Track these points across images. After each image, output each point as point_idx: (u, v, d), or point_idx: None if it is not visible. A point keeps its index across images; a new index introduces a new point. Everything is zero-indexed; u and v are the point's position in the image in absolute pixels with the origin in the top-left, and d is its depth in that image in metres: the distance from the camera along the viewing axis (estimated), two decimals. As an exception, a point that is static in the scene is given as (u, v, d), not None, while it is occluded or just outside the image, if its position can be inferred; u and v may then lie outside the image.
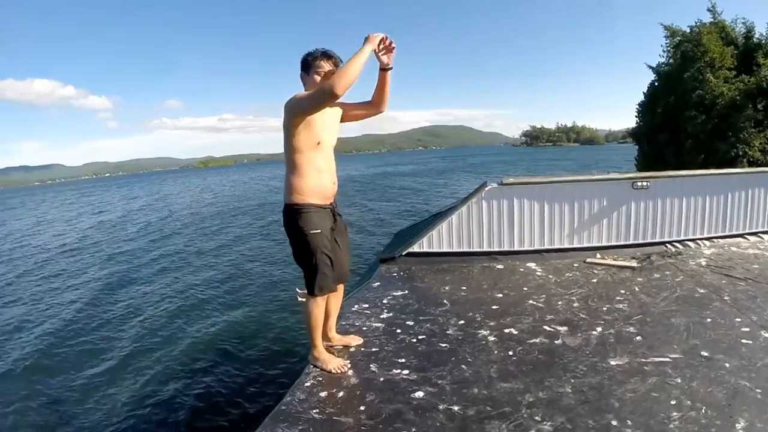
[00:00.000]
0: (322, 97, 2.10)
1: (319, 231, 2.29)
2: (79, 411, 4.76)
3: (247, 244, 13.18)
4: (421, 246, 4.56)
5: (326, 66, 2.29)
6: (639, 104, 14.04)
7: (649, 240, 4.59)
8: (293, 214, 2.30)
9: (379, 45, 2.20)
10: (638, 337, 2.66)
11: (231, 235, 15.17)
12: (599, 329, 2.80)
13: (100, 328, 7.17)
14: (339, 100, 2.18)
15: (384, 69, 2.33)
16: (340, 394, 2.19)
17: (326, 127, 2.34)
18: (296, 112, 2.21)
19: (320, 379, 2.34)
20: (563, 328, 2.84)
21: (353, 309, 3.29)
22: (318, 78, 2.27)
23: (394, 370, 2.39)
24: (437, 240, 4.57)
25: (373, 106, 2.47)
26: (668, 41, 13.15)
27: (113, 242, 15.96)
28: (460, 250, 4.56)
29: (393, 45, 2.25)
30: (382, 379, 2.31)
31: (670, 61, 13.08)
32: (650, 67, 13.76)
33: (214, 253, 12.30)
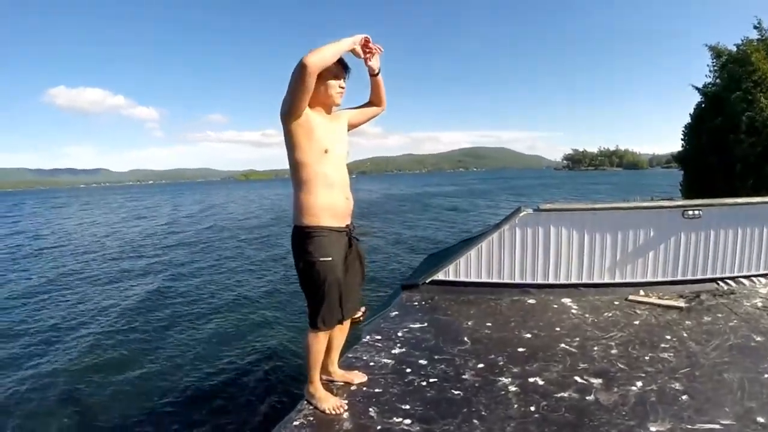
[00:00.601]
0: (296, 73, 1.89)
1: (330, 259, 2.03)
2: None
3: (272, 259, 13.08)
4: (446, 274, 4.24)
5: (342, 71, 2.12)
6: (685, 127, 13.49)
7: (699, 276, 4.12)
8: (302, 238, 2.05)
9: (364, 49, 2.11)
10: (684, 396, 2.26)
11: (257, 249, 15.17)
12: (639, 384, 2.40)
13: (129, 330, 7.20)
14: (339, 108, 2.07)
15: (372, 75, 2.23)
16: None
17: (331, 133, 2.12)
18: (285, 111, 1.99)
19: (311, 418, 2.09)
20: (597, 381, 2.45)
21: (364, 340, 3.02)
22: (336, 84, 2.10)
23: (395, 418, 2.10)
24: (465, 268, 4.25)
25: (373, 105, 2.40)
26: (714, 62, 12.66)
27: (159, 245, 16.39)
28: (489, 280, 4.22)
29: (377, 49, 2.14)
30: (379, 427, 2.03)
31: (717, 81, 12.55)
32: (696, 88, 13.21)
33: (236, 266, 12.27)
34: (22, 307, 8.68)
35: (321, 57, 1.89)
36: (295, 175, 2.07)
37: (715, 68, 12.61)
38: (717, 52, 12.59)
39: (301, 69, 1.86)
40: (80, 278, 11.08)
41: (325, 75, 2.02)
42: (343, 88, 2.13)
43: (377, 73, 2.25)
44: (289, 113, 1.99)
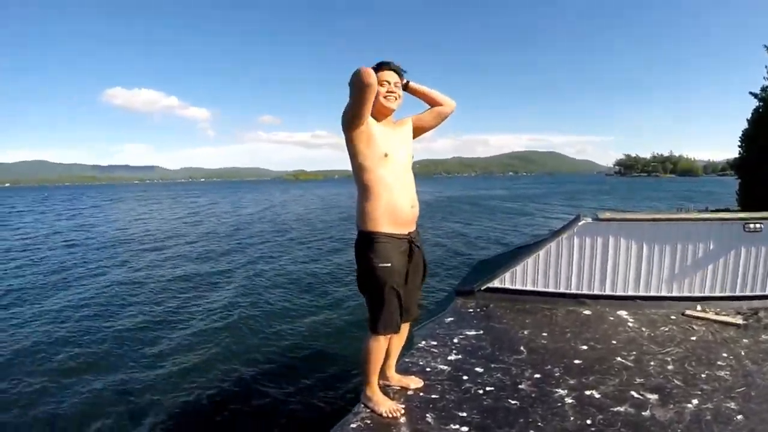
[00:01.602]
0: (354, 85, 1.90)
1: (389, 265, 2.05)
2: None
3: (333, 257, 13.20)
4: (502, 281, 4.20)
5: (389, 75, 2.14)
6: (742, 133, 12.73)
7: (758, 292, 3.92)
8: (363, 243, 2.10)
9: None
10: (740, 416, 2.18)
11: (320, 246, 15.34)
12: (695, 401, 2.33)
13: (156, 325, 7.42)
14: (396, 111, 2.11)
15: (403, 87, 2.25)
16: None
17: (391, 138, 2.15)
18: (346, 121, 2.04)
19: (368, 422, 2.11)
20: (653, 396, 2.39)
21: (419, 345, 3.03)
22: (380, 89, 2.09)
23: (452, 425, 2.10)
24: (521, 276, 4.20)
25: (435, 108, 2.38)
26: None
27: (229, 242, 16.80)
28: (546, 289, 4.15)
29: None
30: None
31: None
32: (754, 94, 12.50)
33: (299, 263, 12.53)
34: (110, 299, 9.01)
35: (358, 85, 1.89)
36: (358, 180, 2.12)
37: None
38: None
39: (357, 80, 1.88)
40: (158, 275, 11.40)
41: (394, 85, 2.10)
42: (392, 92, 2.15)
43: (407, 84, 2.27)
44: (349, 124, 2.04)
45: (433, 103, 2.37)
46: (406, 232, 2.15)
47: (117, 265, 12.53)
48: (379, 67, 2.13)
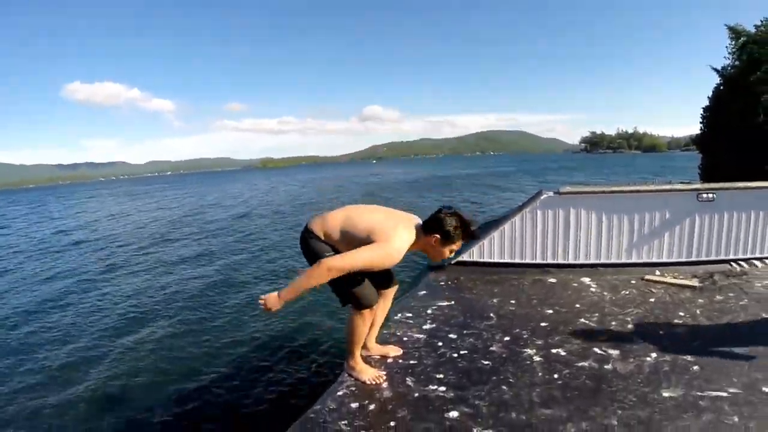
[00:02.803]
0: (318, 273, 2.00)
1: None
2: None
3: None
4: (471, 255, 4.43)
5: (457, 245, 2.21)
6: (704, 109, 13.17)
7: (713, 257, 4.26)
8: (311, 238, 2.23)
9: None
10: (695, 367, 2.40)
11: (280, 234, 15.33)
12: (654, 355, 2.56)
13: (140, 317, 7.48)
14: None
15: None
16: (372, 406, 2.11)
17: None
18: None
19: (353, 389, 2.27)
20: (615, 352, 2.62)
21: (396, 318, 3.20)
22: (446, 250, 2.19)
23: (431, 386, 2.28)
24: (488, 249, 4.43)
25: None
26: (733, 43, 12.30)
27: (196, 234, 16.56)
28: (512, 261, 4.41)
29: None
30: (416, 394, 2.21)
31: (736, 63, 12.22)
32: (715, 70, 12.88)
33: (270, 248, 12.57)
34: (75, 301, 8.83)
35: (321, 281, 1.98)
36: (360, 241, 2.11)
37: (734, 49, 12.29)
38: (736, 33, 12.24)
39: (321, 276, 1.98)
40: (123, 270, 11.29)
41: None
42: (452, 252, 2.24)
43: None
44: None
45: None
46: None
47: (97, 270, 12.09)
48: (464, 235, 2.18)
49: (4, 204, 51.66)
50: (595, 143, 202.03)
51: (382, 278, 2.35)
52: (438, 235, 2.13)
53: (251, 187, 49.90)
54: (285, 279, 9.18)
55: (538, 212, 4.34)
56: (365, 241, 2.07)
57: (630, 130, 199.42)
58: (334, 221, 2.20)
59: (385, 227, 2.09)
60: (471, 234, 2.19)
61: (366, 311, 2.23)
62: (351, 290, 2.19)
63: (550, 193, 4.36)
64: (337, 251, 2.14)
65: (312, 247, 2.20)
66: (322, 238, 2.20)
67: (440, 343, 2.79)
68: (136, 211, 29.05)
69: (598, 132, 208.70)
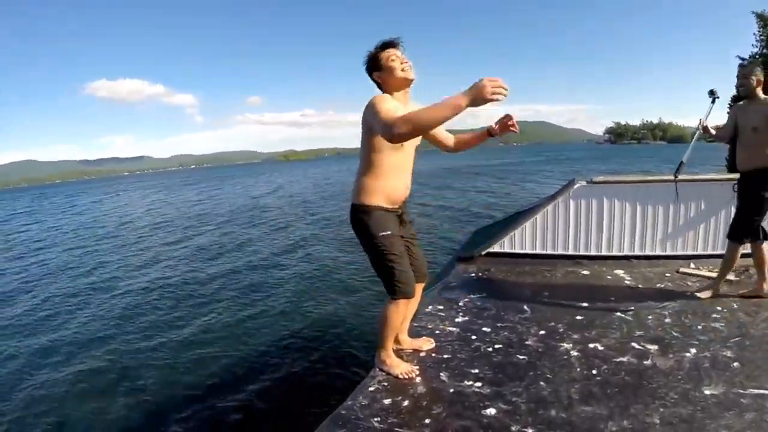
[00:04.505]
0: (383, 131, 1.80)
1: (389, 232, 2.13)
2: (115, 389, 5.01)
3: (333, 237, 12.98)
4: (502, 246, 4.32)
5: (395, 52, 2.10)
6: (732, 98, 12.75)
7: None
8: (360, 215, 2.15)
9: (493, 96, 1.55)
10: (736, 363, 2.30)
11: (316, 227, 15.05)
12: (693, 351, 2.45)
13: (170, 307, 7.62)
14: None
15: (491, 134, 2.23)
16: (405, 403, 2.03)
17: None
18: (369, 127, 2.03)
19: (386, 384, 2.20)
20: (654, 347, 2.51)
21: (427, 310, 3.12)
22: (395, 65, 2.07)
23: (466, 382, 2.19)
24: (519, 240, 4.31)
25: (450, 147, 2.42)
26: (761, 30, 11.84)
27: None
28: (544, 252, 4.28)
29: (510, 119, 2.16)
30: (451, 390, 2.13)
31: (764, 51, 11.76)
32: (741, 59, 12.24)
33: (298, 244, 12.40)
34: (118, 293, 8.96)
35: (413, 129, 1.70)
36: (365, 156, 2.13)
37: (762, 36, 11.86)
38: (764, 20, 11.80)
39: (388, 135, 1.78)
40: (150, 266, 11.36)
41: (402, 62, 2.08)
42: (406, 62, 2.11)
43: (495, 134, 2.24)
44: (398, 138, 1.81)
45: (457, 149, 2.41)
46: (397, 207, 2.22)
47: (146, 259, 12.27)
48: (384, 47, 2.11)
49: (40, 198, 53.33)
50: (619, 134, 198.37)
51: (414, 270, 2.27)
52: (375, 71, 2.12)
53: (297, 177, 50.00)
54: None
55: (571, 202, 4.20)
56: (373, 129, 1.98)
57: (654, 120, 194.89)
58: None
59: (373, 112, 1.91)
60: (386, 44, 2.10)
61: (402, 301, 2.17)
62: (386, 277, 2.15)
63: (583, 183, 4.23)
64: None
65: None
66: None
67: (474, 337, 2.71)
68: (198, 201, 29.59)
69: (623, 122, 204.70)
